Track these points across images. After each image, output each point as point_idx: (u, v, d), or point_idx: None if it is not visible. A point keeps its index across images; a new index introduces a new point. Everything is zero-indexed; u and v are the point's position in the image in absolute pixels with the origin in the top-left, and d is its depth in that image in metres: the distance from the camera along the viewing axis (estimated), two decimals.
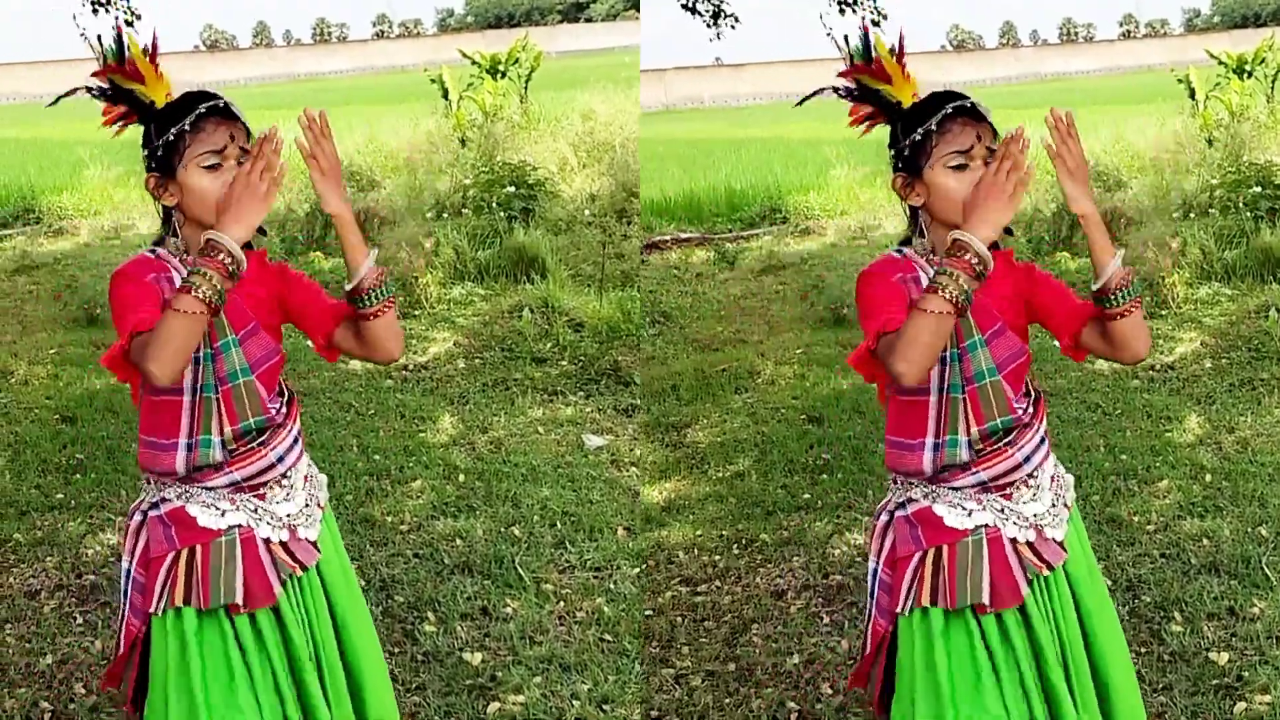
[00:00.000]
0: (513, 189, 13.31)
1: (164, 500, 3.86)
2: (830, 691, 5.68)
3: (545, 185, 13.94)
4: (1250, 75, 14.27)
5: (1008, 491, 3.84)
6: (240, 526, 3.85)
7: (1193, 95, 14.86)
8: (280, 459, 3.91)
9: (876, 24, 17.14)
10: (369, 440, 8.64)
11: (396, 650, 5.95)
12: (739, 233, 15.61)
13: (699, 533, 7.39)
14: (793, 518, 7.48)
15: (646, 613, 6.46)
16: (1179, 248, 11.84)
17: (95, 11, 17.06)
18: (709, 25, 19.52)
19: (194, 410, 3.80)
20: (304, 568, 3.95)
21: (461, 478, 7.99)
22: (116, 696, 5.42)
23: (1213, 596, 6.21)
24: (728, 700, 5.69)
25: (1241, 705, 5.33)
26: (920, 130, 3.79)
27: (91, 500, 7.68)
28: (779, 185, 17.01)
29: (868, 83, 3.95)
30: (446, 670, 5.82)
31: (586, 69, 22.32)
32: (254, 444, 3.87)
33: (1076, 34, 52.66)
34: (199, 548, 3.82)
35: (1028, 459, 3.84)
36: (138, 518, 3.93)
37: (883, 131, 4.03)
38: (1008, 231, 3.69)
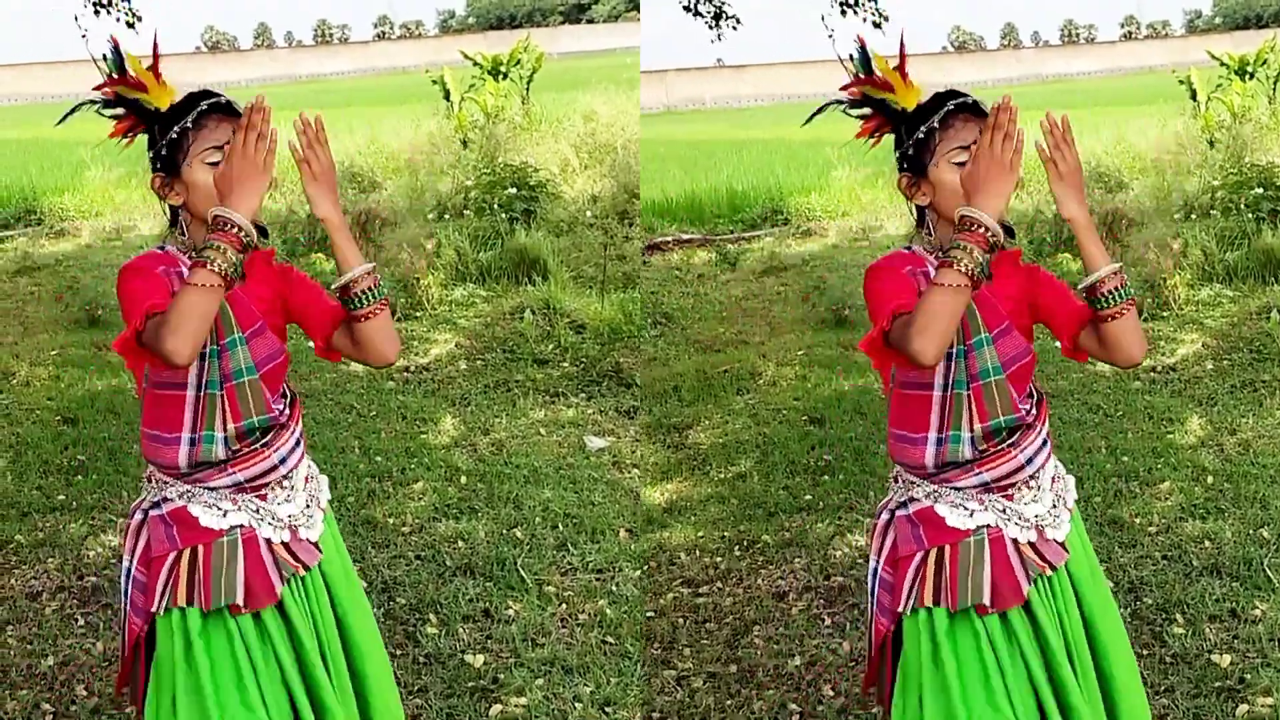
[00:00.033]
0: (514, 190, 13.31)
1: (165, 500, 3.86)
2: (832, 693, 5.68)
3: (547, 187, 13.94)
4: (1252, 76, 14.26)
5: (1009, 492, 3.84)
6: (242, 527, 3.85)
7: (1194, 96, 14.85)
8: (283, 460, 3.91)
9: (878, 25, 17.19)
10: (370, 442, 8.64)
11: (398, 652, 5.95)
12: (740, 234, 15.60)
13: (700, 534, 7.39)
14: (794, 519, 7.48)
15: (648, 614, 6.47)
16: (1180, 249, 11.84)
17: (97, 13, 17.05)
18: (710, 27, 19.52)
19: (198, 405, 3.80)
20: (306, 568, 3.95)
21: (463, 479, 7.99)
22: (120, 699, 5.44)
23: (1214, 599, 6.21)
24: (729, 702, 5.69)
25: (1244, 708, 5.33)
26: (923, 128, 3.81)
27: (93, 502, 7.68)
28: (780, 186, 16.99)
29: (871, 94, 3.96)
30: (448, 672, 5.83)
31: (588, 70, 22.30)
32: (257, 445, 3.87)
33: (1078, 35, 52.60)
34: (201, 548, 3.82)
35: (1030, 460, 3.84)
36: (138, 516, 3.93)
37: (890, 138, 4.04)
38: (1009, 233, 3.69)
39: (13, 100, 36.78)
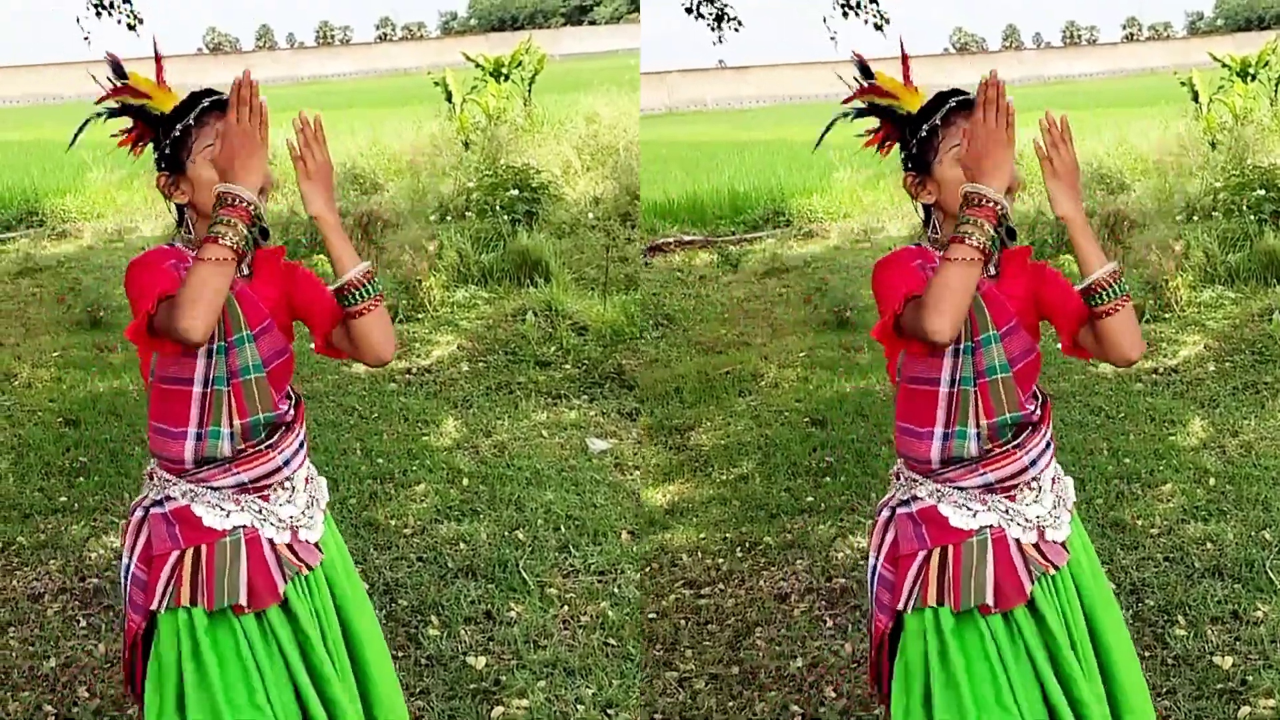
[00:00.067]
0: (516, 192, 13.32)
1: (169, 498, 3.86)
2: (834, 695, 5.68)
3: (549, 188, 13.95)
4: (1254, 78, 14.26)
5: (1012, 493, 3.85)
6: (245, 527, 3.86)
7: (1196, 98, 14.86)
8: (286, 463, 3.92)
9: (879, 27, 17.19)
10: (372, 444, 8.64)
11: (400, 654, 5.95)
12: (742, 235, 15.60)
13: (702, 535, 7.39)
14: (796, 521, 7.48)
15: (650, 616, 6.47)
16: (1182, 251, 11.84)
17: (98, 14, 17.06)
18: (712, 28, 19.51)
19: (204, 402, 3.81)
20: (310, 567, 3.95)
21: (465, 481, 7.99)
22: (123, 701, 5.44)
23: (1216, 600, 6.21)
24: (731, 704, 5.69)
25: (1245, 710, 5.33)
26: (926, 126, 3.83)
27: (95, 503, 7.68)
28: (782, 188, 16.99)
29: (876, 101, 3.98)
30: (450, 674, 5.82)
31: (590, 72, 22.31)
32: (262, 446, 3.88)
33: (1079, 37, 52.61)
34: (204, 548, 3.83)
35: (1034, 463, 3.86)
36: (139, 514, 3.94)
37: (860, 133, 4.07)
38: (1010, 234, 3.71)
39: (14, 102, 36.83)
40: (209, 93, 3.81)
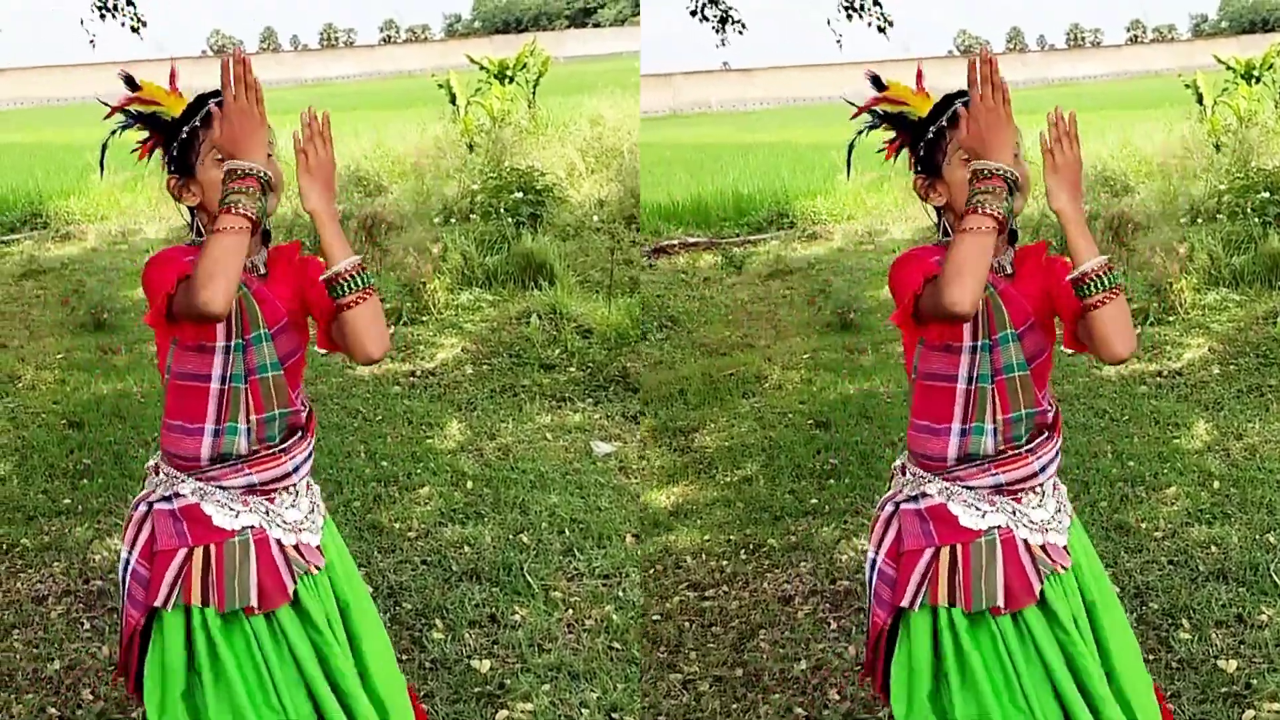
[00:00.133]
0: (520, 194, 13.31)
1: (177, 495, 3.87)
2: (837, 697, 5.68)
3: (553, 191, 13.94)
4: (1258, 80, 14.25)
5: (1018, 495, 3.87)
6: (253, 528, 3.87)
7: (1200, 100, 14.85)
8: (296, 469, 3.95)
9: (882, 30, 17.19)
10: (376, 446, 8.64)
11: (404, 657, 5.95)
12: (746, 237, 15.59)
13: (706, 538, 7.38)
14: (800, 523, 7.47)
15: (654, 618, 6.46)
16: (1187, 253, 11.82)
17: (102, 16, 17.07)
18: (716, 30, 19.52)
19: (222, 398, 3.84)
20: (317, 568, 3.96)
21: (469, 484, 7.99)
22: (126, 703, 5.43)
23: (1221, 604, 6.20)
24: (735, 706, 5.68)
25: (1250, 713, 5.33)
26: (933, 129, 3.84)
27: (99, 505, 7.68)
28: (786, 190, 16.98)
29: (889, 109, 3.99)
30: (454, 678, 5.82)
31: (594, 74, 22.31)
32: (275, 449, 3.90)
33: (1084, 39, 52.62)
34: (213, 547, 3.83)
35: (1043, 469, 3.89)
36: (143, 509, 3.94)
37: (878, 144, 4.09)
38: (1012, 237, 3.73)
39: (18, 104, 36.83)
40: (216, 94, 3.81)
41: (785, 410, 9.48)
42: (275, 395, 3.87)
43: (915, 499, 3.93)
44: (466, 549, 7.09)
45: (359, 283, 3.80)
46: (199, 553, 3.84)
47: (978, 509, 3.84)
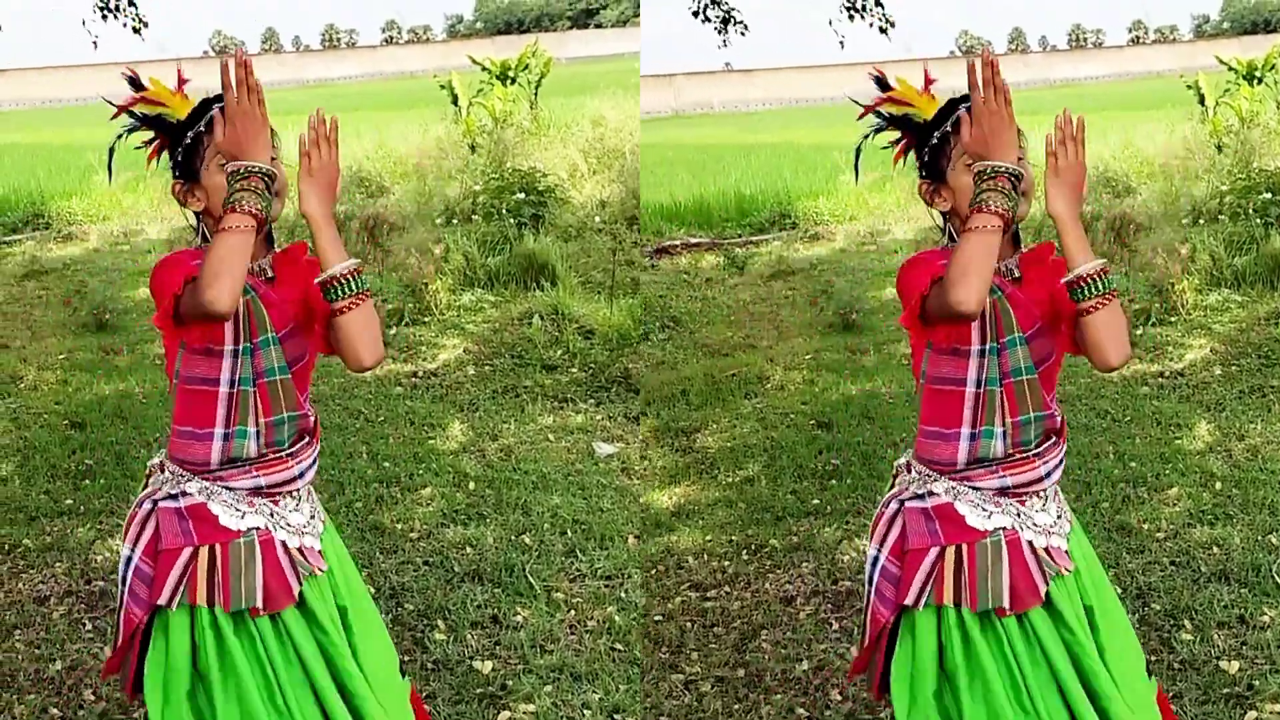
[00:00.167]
0: (523, 195, 13.31)
1: (184, 494, 3.86)
2: (839, 698, 5.68)
3: (555, 192, 13.94)
4: (1260, 81, 14.26)
5: (1023, 499, 3.87)
6: (259, 529, 3.86)
7: (1202, 101, 14.86)
8: (301, 474, 3.95)
9: (884, 31, 17.18)
10: (378, 447, 8.64)
11: (407, 659, 5.95)
12: (748, 238, 15.59)
13: (708, 538, 7.38)
14: (802, 523, 7.48)
15: (656, 618, 6.46)
16: (1189, 254, 11.83)
17: (104, 17, 17.07)
18: (718, 31, 19.52)
19: (230, 402, 3.84)
20: (322, 570, 3.96)
21: (471, 485, 7.99)
22: (126, 702, 5.43)
23: (1223, 605, 6.20)
24: (737, 706, 5.69)
25: (1252, 714, 5.33)
26: (937, 134, 3.84)
27: (100, 506, 7.68)
28: (788, 191, 16.99)
29: (893, 111, 3.98)
30: (457, 679, 5.82)
31: (596, 75, 22.32)
32: (283, 453, 3.90)
33: (1086, 40, 52.62)
34: (218, 547, 3.83)
35: (1049, 474, 3.89)
36: (147, 506, 3.92)
37: (884, 142, 4.09)
38: (1015, 240, 3.74)
39: (20, 104, 36.84)
40: (219, 98, 3.80)
41: (787, 411, 9.49)
42: (284, 399, 3.88)
43: (921, 497, 3.93)
44: (469, 550, 7.09)
45: (353, 287, 3.79)
46: (204, 552, 3.83)
47: (984, 509, 3.85)
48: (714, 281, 13.66)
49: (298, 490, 3.97)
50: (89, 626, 6.32)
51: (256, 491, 3.87)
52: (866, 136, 4.10)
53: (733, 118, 36.62)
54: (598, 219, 13.84)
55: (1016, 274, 3.86)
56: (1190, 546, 6.86)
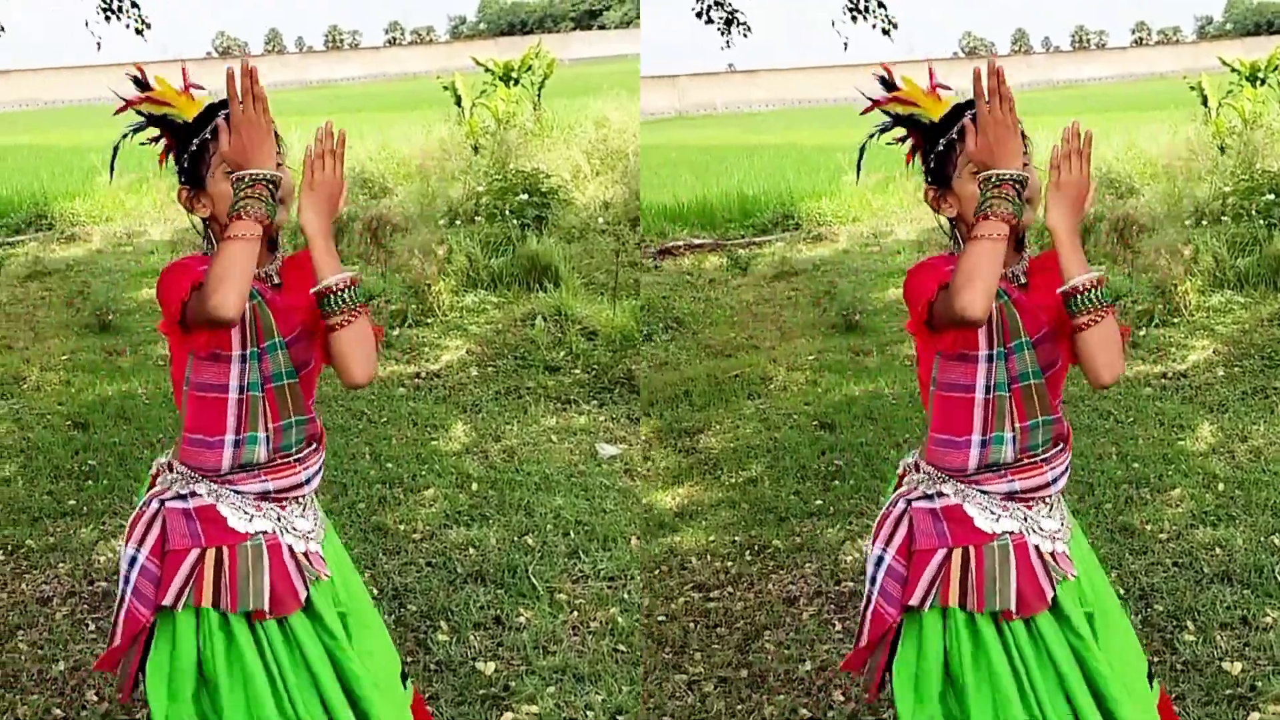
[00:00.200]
0: (526, 196, 13.31)
1: (194, 495, 3.86)
2: (842, 698, 5.68)
3: (558, 193, 13.94)
4: (1263, 82, 14.26)
5: (1030, 504, 3.87)
6: (266, 533, 3.87)
7: (1205, 102, 14.87)
8: (308, 480, 3.96)
9: (887, 32, 17.17)
10: (381, 448, 8.63)
11: (409, 660, 5.95)
12: (751, 239, 15.60)
13: (711, 538, 7.38)
14: (805, 524, 7.47)
15: (659, 619, 6.46)
16: (1191, 255, 11.83)
17: (108, 19, 17.08)
18: (721, 33, 19.51)
19: (240, 408, 3.84)
20: (327, 575, 3.96)
21: (474, 486, 7.99)
22: (130, 703, 5.43)
23: (1225, 606, 6.20)
24: (740, 707, 5.68)
25: (1255, 716, 5.32)
26: (943, 141, 3.82)
27: (104, 507, 7.68)
28: (791, 191, 17.00)
29: (899, 110, 3.98)
30: (459, 680, 5.82)
31: (599, 76, 22.33)
32: (291, 458, 3.92)
33: (1089, 41, 52.62)
34: (225, 549, 3.84)
35: (1054, 480, 3.90)
36: (154, 506, 3.92)
37: (888, 139, 4.09)
38: (1019, 245, 3.74)
39: (23, 106, 36.86)
40: (224, 105, 3.80)
41: (790, 411, 9.49)
42: (291, 403, 3.89)
43: (930, 497, 3.93)
44: (471, 551, 7.09)
45: (348, 300, 3.77)
46: (211, 554, 3.84)
47: (991, 512, 3.85)
48: (717, 282, 13.66)
49: (304, 497, 3.97)
50: (91, 627, 6.32)
51: (264, 497, 3.88)
52: (871, 135, 4.09)
53: (736, 119, 36.63)
54: (601, 220, 13.84)
55: (1023, 280, 3.86)
56: (1193, 548, 6.85)
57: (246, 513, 3.86)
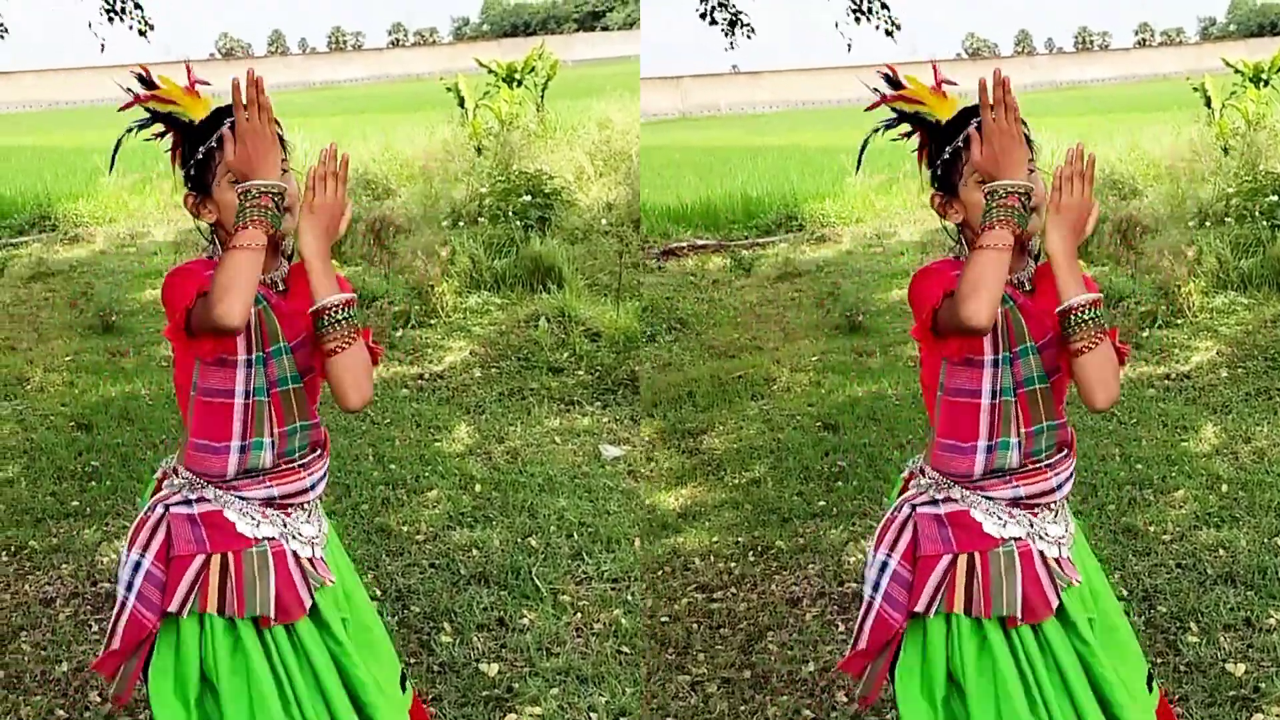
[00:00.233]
0: (529, 198, 13.31)
1: (202, 500, 3.86)
2: (845, 699, 5.68)
3: (561, 194, 13.93)
4: (1266, 84, 14.24)
5: (1035, 510, 3.87)
6: (271, 539, 3.87)
7: (1209, 103, 14.85)
8: (313, 486, 3.96)
9: (889, 33, 17.15)
10: (385, 450, 8.63)
11: (413, 661, 5.95)
12: (755, 240, 15.59)
13: (714, 539, 7.38)
14: (808, 525, 7.48)
15: (662, 619, 6.46)
16: (1195, 256, 11.82)
17: (110, 20, 17.07)
18: (725, 34, 19.49)
19: (246, 413, 3.84)
20: (331, 581, 3.96)
21: (478, 488, 7.99)
22: (132, 705, 5.43)
23: (1229, 607, 6.20)
24: (743, 708, 5.69)
25: (1258, 717, 5.32)
26: (949, 148, 3.82)
27: (107, 508, 7.69)
28: (795, 193, 16.99)
29: (904, 108, 3.97)
30: (463, 681, 5.82)
31: (602, 77, 22.31)
32: (295, 464, 3.92)
33: (1092, 42, 52.52)
34: (231, 555, 3.84)
35: (1059, 486, 3.90)
36: (159, 511, 3.91)
37: (893, 135, 4.08)
38: (1025, 251, 3.75)
39: (27, 107, 36.84)
40: (230, 111, 3.79)
41: (793, 412, 9.49)
42: (296, 408, 3.89)
43: (935, 503, 3.92)
44: (475, 552, 7.09)
45: (341, 323, 3.76)
46: (216, 560, 3.84)
47: (998, 518, 3.85)
48: (720, 283, 13.66)
49: (309, 503, 3.97)
50: (95, 628, 6.32)
51: (269, 502, 3.87)
52: (876, 130, 4.08)
53: (739, 120, 36.59)
54: (604, 221, 13.84)
55: (1029, 285, 3.86)
56: (1196, 549, 6.85)
57: (252, 518, 3.86)
